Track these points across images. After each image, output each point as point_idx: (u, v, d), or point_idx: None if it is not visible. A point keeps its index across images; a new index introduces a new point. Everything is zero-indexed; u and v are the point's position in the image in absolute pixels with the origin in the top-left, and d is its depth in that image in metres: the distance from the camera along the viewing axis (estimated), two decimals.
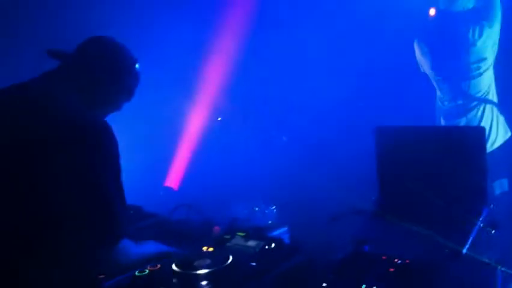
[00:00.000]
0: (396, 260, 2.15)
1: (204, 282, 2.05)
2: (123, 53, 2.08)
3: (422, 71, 3.95)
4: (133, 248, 2.03)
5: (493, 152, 3.52)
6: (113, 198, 1.81)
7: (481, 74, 3.61)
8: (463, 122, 3.56)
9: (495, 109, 3.66)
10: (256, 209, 2.78)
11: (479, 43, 3.55)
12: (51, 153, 1.76)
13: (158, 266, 2.20)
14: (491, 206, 2.30)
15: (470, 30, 3.54)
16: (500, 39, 3.56)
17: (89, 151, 1.79)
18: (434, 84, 3.88)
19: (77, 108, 1.90)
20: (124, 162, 1.85)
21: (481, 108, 3.59)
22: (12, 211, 1.76)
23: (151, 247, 2.22)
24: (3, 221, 1.76)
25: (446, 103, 3.77)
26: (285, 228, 2.76)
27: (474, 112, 3.60)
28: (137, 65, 2.13)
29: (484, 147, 2.28)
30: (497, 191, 3.37)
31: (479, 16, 3.54)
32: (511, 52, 3.61)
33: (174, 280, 2.09)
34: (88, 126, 1.83)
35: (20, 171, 1.76)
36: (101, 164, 1.80)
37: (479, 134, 2.28)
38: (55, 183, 1.74)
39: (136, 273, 2.15)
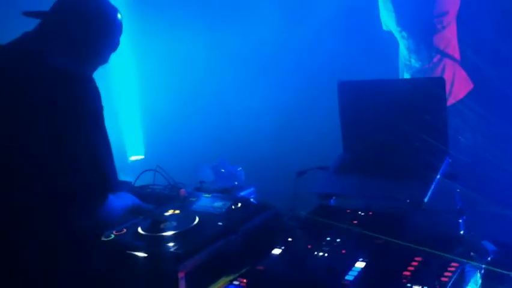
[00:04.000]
0: (360, 213, 2.18)
1: (171, 244, 2.05)
2: (104, 4, 2.04)
3: (385, 29, 3.95)
4: (115, 203, 2.01)
5: (455, 104, 3.57)
6: (101, 152, 1.81)
7: (443, 28, 3.63)
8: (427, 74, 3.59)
9: (456, 63, 3.70)
10: (222, 170, 2.79)
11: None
12: (34, 112, 1.74)
13: (124, 230, 2.19)
14: (452, 157, 2.34)
15: None
16: None
17: (73, 105, 1.77)
18: (399, 41, 3.89)
19: (58, 64, 1.86)
20: None
21: (444, 62, 3.62)
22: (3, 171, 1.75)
23: (127, 200, 2.21)
24: None
25: (411, 60, 3.79)
26: (252, 189, 2.78)
27: (437, 66, 3.63)
28: (119, 15, 2.08)
29: (444, 98, 2.30)
30: (461, 143, 3.44)
31: None
32: (474, 4, 3.61)
33: (141, 243, 2.09)
34: (69, 80, 1.81)
35: (7, 133, 1.75)
36: (87, 118, 1.79)
37: (439, 85, 2.29)
38: (42, 141, 1.73)
39: (103, 238, 2.14)
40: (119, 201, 2.09)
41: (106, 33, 2.07)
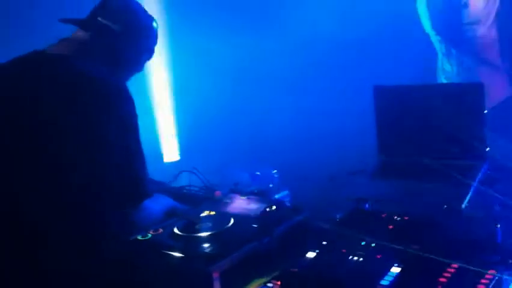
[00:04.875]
0: (395, 217, 2.17)
1: (206, 245, 2.08)
2: (139, 13, 2.08)
3: (426, 31, 3.93)
4: (153, 206, 2.05)
5: (496, 107, 3.51)
6: (134, 159, 1.85)
7: (476, 35, 3.58)
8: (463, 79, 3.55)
9: (493, 69, 3.64)
10: (258, 173, 2.80)
11: (470, 5, 3.52)
12: (68, 119, 1.77)
13: (160, 230, 2.23)
14: (491, 162, 2.30)
15: None
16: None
17: (106, 114, 1.80)
18: (435, 44, 3.86)
19: (94, 73, 1.89)
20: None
21: (478, 68, 3.58)
22: (32, 179, 1.77)
23: (164, 202, 2.25)
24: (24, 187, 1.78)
25: (444, 64, 3.76)
26: (286, 192, 2.78)
27: (470, 71, 3.59)
28: (154, 24, 2.12)
29: (483, 103, 2.27)
30: (502, 147, 3.38)
31: None
32: None
33: (177, 243, 2.12)
34: (103, 89, 1.83)
35: (39, 138, 1.77)
36: (120, 126, 1.82)
37: (477, 90, 2.27)
38: (76, 149, 1.76)
39: (139, 237, 2.18)
40: (156, 204, 2.13)
41: (142, 42, 2.10)
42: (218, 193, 2.59)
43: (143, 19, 2.08)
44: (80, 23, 2.02)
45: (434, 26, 3.76)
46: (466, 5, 3.53)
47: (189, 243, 2.11)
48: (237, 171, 2.80)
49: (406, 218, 2.15)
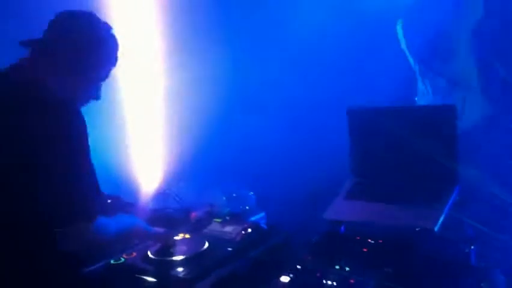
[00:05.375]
0: (369, 240, 2.17)
1: (180, 269, 2.06)
2: (95, 25, 2.01)
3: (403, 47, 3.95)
4: (110, 223, 1.97)
5: (469, 130, 3.54)
6: (78, 178, 1.79)
7: (449, 55, 3.61)
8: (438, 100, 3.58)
9: (473, 90, 3.67)
10: (234, 195, 2.79)
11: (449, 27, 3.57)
12: (13, 137, 1.75)
13: (134, 253, 2.21)
14: (463, 185, 2.32)
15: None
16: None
17: (51, 132, 1.76)
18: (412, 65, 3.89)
19: (45, 93, 1.85)
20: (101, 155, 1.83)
21: (451, 89, 3.61)
22: None
23: (126, 220, 2.16)
24: None
25: (420, 86, 3.79)
26: (263, 214, 2.78)
27: (444, 93, 3.62)
28: (112, 31, 2.06)
29: (454, 126, 2.29)
30: (473, 170, 3.40)
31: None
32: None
33: (150, 267, 2.10)
34: (51, 107, 1.79)
35: None
36: (62, 144, 1.77)
37: (450, 112, 2.30)
38: (19, 165, 1.74)
39: (112, 261, 2.16)
40: (114, 223, 2.03)
41: (97, 52, 2.03)
42: (194, 215, 2.57)
43: (100, 32, 2.02)
44: (36, 44, 1.99)
45: (408, 46, 3.79)
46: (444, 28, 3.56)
47: (163, 267, 2.10)
48: (213, 193, 2.79)
49: (380, 241, 2.16)
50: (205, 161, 3.20)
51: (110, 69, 2.08)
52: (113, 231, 1.96)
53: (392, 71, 3.65)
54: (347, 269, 1.97)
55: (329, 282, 1.89)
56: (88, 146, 1.82)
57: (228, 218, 2.58)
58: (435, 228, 2.11)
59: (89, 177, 1.84)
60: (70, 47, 1.94)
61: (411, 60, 3.85)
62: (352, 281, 1.88)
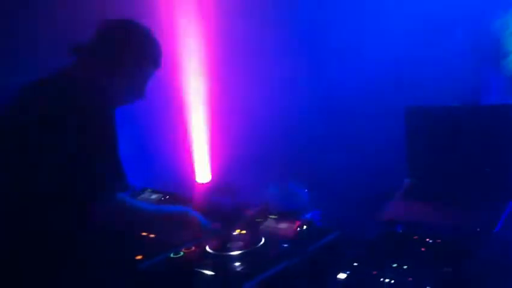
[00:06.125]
0: (427, 240, 2.15)
1: (237, 263, 2.10)
2: (139, 31, 2.10)
3: None
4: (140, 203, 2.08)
5: None
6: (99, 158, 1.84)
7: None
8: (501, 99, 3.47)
9: None
10: (289, 192, 2.81)
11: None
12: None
13: (193, 247, 2.26)
14: None
15: None
16: None
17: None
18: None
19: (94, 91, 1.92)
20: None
21: None
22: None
23: (172, 208, 2.27)
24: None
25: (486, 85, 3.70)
26: (317, 211, 2.79)
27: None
28: (153, 36, 2.13)
29: None
30: None
31: None
32: None
33: (208, 261, 2.15)
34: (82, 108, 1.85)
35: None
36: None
37: (508, 112, 2.25)
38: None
39: (171, 255, 2.22)
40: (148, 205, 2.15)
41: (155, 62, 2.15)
42: (249, 211, 2.61)
43: (151, 45, 2.12)
44: (86, 51, 2.07)
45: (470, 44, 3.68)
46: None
47: (221, 261, 2.14)
48: (268, 190, 2.81)
49: (438, 240, 2.13)
50: (262, 158, 3.23)
51: (152, 71, 2.17)
52: (147, 209, 2.05)
53: (452, 69, 3.58)
54: (405, 267, 1.96)
55: (386, 280, 1.89)
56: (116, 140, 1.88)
57: (282, 214, 2.60)
58: (496, 229, 2.07)
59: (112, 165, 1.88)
60: (116, 50, 2.05)
61: (473, 58, 3.75)
62: (410, 279, 1.87)
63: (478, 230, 2.11)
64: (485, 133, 2.30)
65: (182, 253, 2.23)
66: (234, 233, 2.40)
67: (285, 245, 2.26)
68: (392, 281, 1.88)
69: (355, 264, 2.03)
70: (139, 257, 2.20)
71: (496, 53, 3.58)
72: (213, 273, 2.06)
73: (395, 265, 1.98)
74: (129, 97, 2.17)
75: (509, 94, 3.55)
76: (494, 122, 2.29)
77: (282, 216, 2.57)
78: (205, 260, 2.17)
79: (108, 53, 2.05)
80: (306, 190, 2.88)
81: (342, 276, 1.97)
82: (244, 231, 2.43)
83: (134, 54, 2.09)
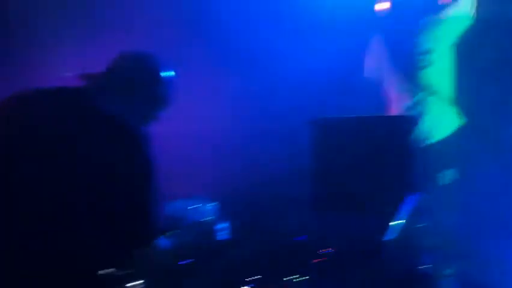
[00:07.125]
0: (329, 250, 2.16)
1: None
2: (151, 65, 2.09)
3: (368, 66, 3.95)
4: None
5: (438, 142, 3.55)
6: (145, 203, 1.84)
7: (426, 66, 3.64)
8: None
9: (443, 100, 3.68)
10: (195, 206, 2.75)
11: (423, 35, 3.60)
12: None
13: None
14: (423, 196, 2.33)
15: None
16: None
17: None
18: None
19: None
20: None
21: (427, 99, 3.62)
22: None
23: None
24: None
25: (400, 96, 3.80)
26: (225, 224, 2.75)
27: (419, 103, 3.64)
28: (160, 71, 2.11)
29: (412, 136, 2.29)
30: (440, 182, 3.40)
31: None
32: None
33: None
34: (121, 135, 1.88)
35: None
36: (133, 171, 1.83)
37: (409, 123, 2.31)
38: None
39: None
40: None
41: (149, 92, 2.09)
42: None
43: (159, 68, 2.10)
44: (98, 80, 2.03)
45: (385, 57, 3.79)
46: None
47: None
48: (173, 204, 2.75)
49: (338, 250, 2.14)
50: (168, 172, 3.15)
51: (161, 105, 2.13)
52: None
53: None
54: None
55: None
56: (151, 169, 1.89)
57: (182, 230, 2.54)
58: (387, 238, 2.11)
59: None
60: (129, 79, 2.04)
61: (387, 71, 3.85)
62: None
63: (377, 238, 2.14)
64: (385, 143, 2.33)
65: None
66: None
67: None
68: None
69: (255, 277, 2.01)
70: None
71: (407, 67, 3.70)
72: None
73: (296, 276, 1.98)
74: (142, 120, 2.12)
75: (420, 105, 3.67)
76: (393, 132, 2.34)
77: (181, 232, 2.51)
78: None
79: (121, 82, 2.01)
80: (214, 203, 2.83)
81: None
82: None
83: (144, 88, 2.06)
